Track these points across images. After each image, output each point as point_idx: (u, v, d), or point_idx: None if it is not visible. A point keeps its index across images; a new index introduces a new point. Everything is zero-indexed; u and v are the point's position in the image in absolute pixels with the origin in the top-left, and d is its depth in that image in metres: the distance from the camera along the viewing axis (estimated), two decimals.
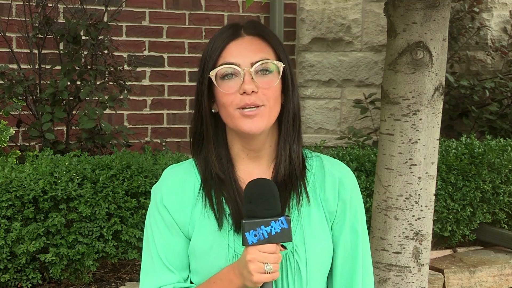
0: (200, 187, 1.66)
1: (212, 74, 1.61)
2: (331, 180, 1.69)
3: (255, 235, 1.50)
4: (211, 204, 1.64)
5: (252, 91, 1.57)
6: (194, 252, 1.65)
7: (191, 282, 1.68)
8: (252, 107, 1.58)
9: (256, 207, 1.51)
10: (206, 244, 1.63)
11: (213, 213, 1.63)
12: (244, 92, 1.57)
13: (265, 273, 1.50)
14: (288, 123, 1.66)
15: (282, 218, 1.51)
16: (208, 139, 1.66)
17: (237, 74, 1.59)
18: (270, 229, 1.51)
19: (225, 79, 1.60)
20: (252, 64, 1.59)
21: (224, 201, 1.64)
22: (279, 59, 1.64)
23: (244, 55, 1.60)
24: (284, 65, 1.63)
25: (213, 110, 1.65)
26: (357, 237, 1.70)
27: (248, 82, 1.58)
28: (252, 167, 1.67)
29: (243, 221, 1.51)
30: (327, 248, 1.68)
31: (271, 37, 1.65)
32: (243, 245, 1.52)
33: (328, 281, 1.73)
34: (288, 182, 1.66)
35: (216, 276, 1.60)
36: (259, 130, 1.59)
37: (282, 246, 1.57)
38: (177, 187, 1.67)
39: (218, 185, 1.65)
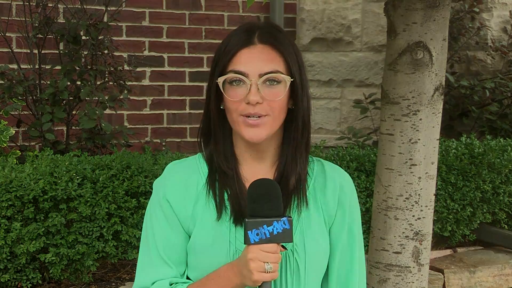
0: (206, 181, 1.68)
1: (220, 80, 1.62)
2: (332, 185, 1.72)
3: (257, 234, 1.51)
4: (214, 196, 1.66)
5: (257, 102, 1.59)
6: (194, 248, 1.65)
7: (188, 278, 1.69)
8: (256, 117, 1.60)
9: (260, 206, 1.53)
10: (207, 240, 1.64)
11: (215, 205, 1.65)
12: (249, 102, 1.59)
13: (265, 272, 1.51)
14: (297, 132, 1.67)
15: (284, 218, 1.53)
16: (215, 134, 1.68)
17: (244, 82, 1.60)
18: (272, 229, 1.52)
19: (233, 85, 1.62)
20: (260, 76, 1.60)
21: (227, 197, 1.65)
22: (289, 70, 1.63)
23: (254, 64, 1.60)
24: (292, 79, 1.63)
25: (221, 107, 1.67)
26: (354, 241, 1.73)
27: (254, 93, 1.59)
28: (256, 167, 1.69)
29: (246, 220, 1.52)
30: (325, 249, 1.71)
31: (284, 47, 1.64)
32: (244, 243, 1.53)
33: (323, 283, 1.74)
34: (291, 188, 1.68)
35: (214, 273, 1.61)
36: (260, 140, 1.62)
37: (282, 246, 1.58)
38: (181, 183, 1.68)
39: (222, 180, 1.66)
